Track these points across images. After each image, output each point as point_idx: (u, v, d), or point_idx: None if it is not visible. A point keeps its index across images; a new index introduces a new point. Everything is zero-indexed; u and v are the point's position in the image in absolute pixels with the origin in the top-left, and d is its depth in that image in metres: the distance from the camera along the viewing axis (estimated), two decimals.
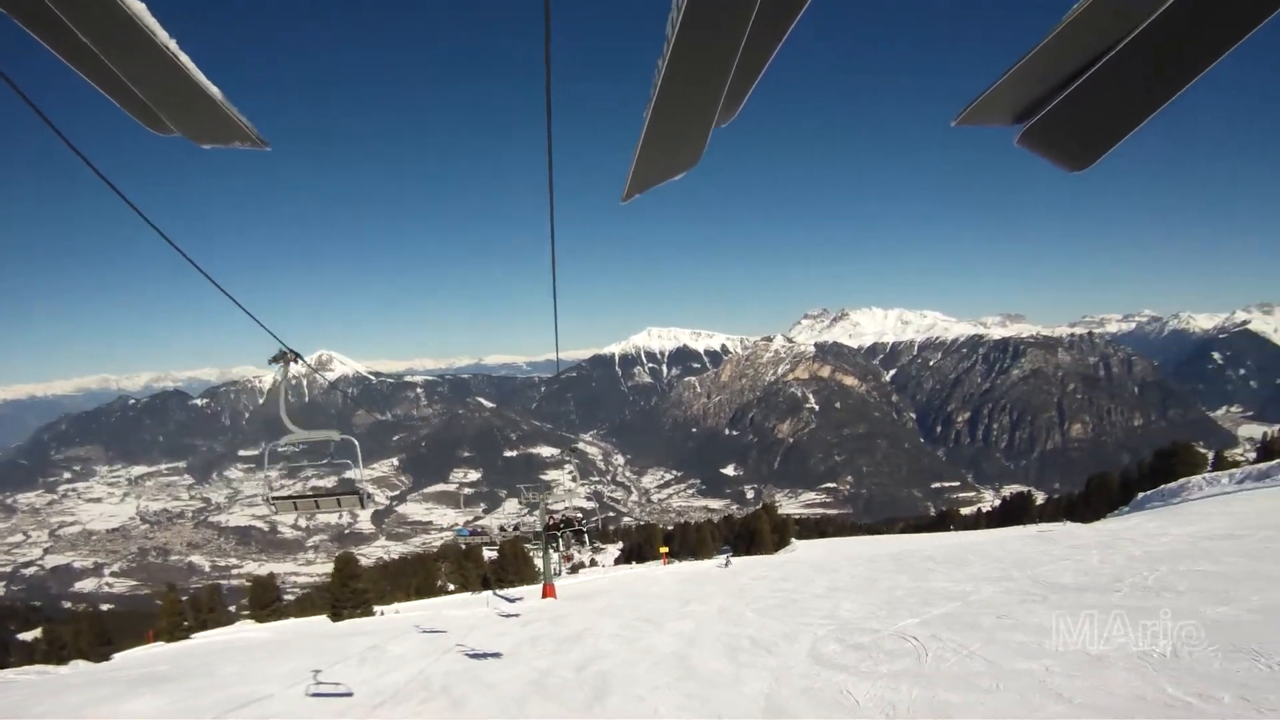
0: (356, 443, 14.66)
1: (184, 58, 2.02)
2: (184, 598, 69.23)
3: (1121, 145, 2.43)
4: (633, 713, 11.13)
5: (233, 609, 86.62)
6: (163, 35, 1.94)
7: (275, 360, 13.60)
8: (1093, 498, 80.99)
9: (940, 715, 8.79)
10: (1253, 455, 72.69)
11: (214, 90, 2.13)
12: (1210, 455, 77.34)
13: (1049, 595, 15.00)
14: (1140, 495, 54.31)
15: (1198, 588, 13.14)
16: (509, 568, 75.35)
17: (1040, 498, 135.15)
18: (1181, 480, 51.18)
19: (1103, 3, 2.12)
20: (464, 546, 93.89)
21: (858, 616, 16.42)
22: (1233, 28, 2.11)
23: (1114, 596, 13.54)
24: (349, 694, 15.02)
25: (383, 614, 49.25)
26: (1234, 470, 49.34)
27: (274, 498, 15.32)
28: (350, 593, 55.06)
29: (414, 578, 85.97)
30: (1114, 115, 2.42)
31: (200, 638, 47.46)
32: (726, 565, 51.39)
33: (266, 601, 66.23)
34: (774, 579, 29.68)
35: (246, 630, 49.92)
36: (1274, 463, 45.12)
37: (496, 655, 17.76)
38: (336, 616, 51.09)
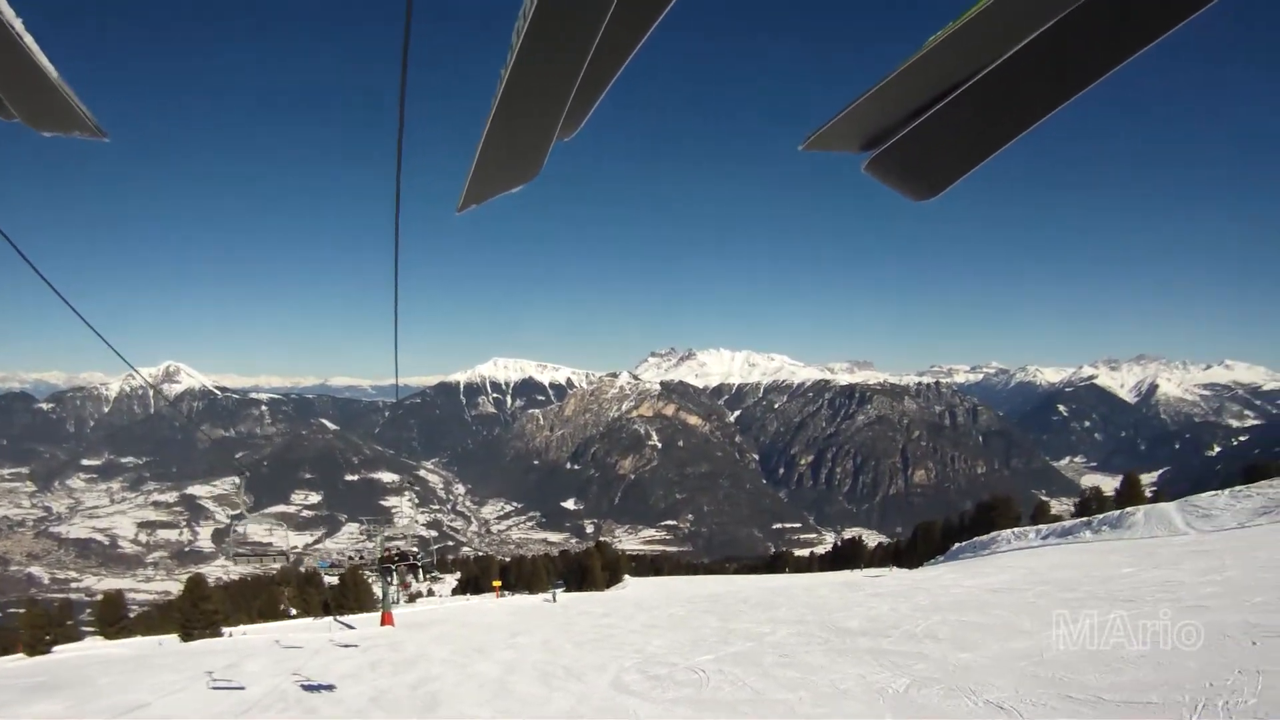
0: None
1: (29, 38, 2.04)
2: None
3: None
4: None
5: (70, 623, 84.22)
6: (8, 13, 1.94)
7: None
8: (918, 544, 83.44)
9: None
10: (1071, 509, 76.75)
11: (53, 72, 2.16)
12: (1033, 508, 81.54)
13: (831, 639, 16.59)
14: (955, 546, 57.31)
15: (955, 636, 14.84)
16: (349, 595, 75.26)
17: (876, 541, 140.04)
18: (994, 533, 53.82)
19: (956, 38, 2.23)
20: (324, 574, 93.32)
21: (662, 651, 17.87)
22: (1082, 73, 2.30)
23: (883, 641, 15.21)
24: (215, 704, 16.28)
25: (231, 635, 49.05)
26: (1041, 526, 52.36)
27: (236, 554, 16.82)
28: (200, 613, 54.42)
29: (257, 600, 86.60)
30: (961, 149, 2.58)
31: (60, 651, 46.37)
32: (554, 600, 52.99)
33: (115, 618, 65.73)
34: (597, 614, 31.58)
35: (100, 646, 48.97)
36: (1078, 520, 48.03)
37: (341, 675, 19.04)
38: (187, 636, 50.37)
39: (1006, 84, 2.32)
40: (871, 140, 2.56)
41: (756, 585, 44.92)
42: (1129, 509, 44.82)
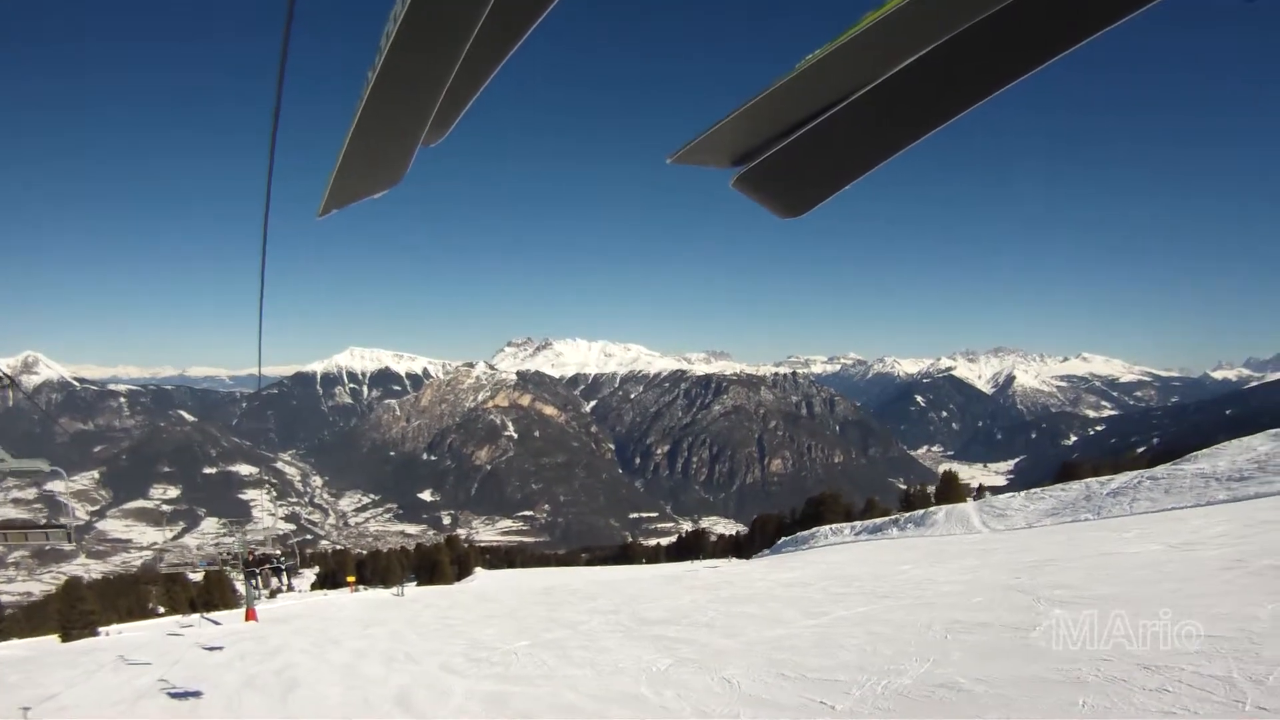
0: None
1: None
2: None
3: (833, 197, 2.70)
4: (311, 697, 15.54)
5: None
6: None
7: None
8: (756, 536, 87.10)
9: (498, 702, 12.83)
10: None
11: None
12: (866, 502, 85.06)
13: (631, 627, 19.14)
14: (780, 540, 59.92)
15: (728, 625, 17.42)
16: (214, 592, 76.50)
17: (732, 530, 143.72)
18: (814, 529, 56.68)
19: (829, 61, 2.25)
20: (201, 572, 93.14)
21: (490, 638, 20.30)
22: (953, 101, 2.39)
23: (670, 629, 17.74)
24: (115, 692, 18.50)
25: (107, 634, 49.41)
26: (856, 523, 55.09)
27: None
28: (78, 614, 55.90)
29: (126, 599, 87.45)
30: (829, 169, 2.64)
31: None
32: (401, 594, 54.98)
33: None
34: (442, 607, 33.76)
35: None
36: (886, 519, 50.60)
37: (215, 664, 21.52)
38: (66, 636, 50.79)
39: (877, 108, 2.43)
40: (740, 157, 2.65)
41: (588, 578, 47.88)
42: (932, 508, 48.27)
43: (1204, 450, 40.52)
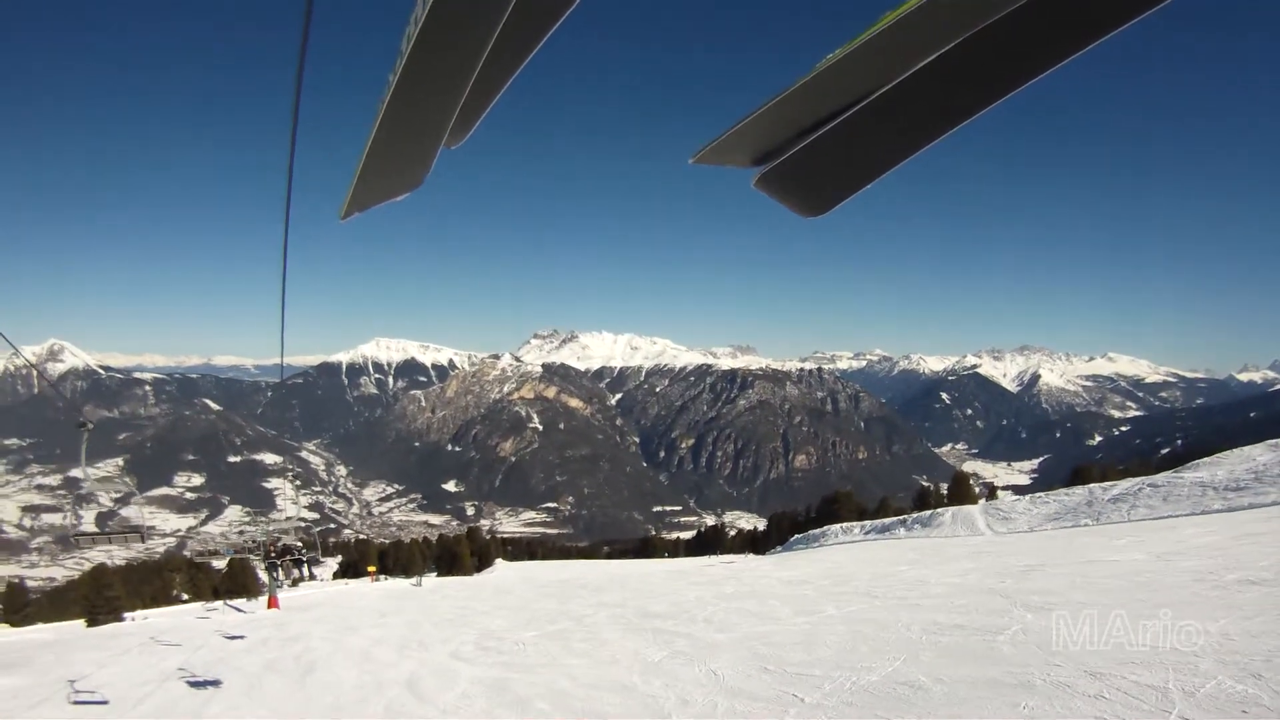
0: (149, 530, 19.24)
1: None
2: None
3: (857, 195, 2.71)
4: (327, 679, 16.76)
5: None
6: None
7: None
8: (772, 533, 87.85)
9: (499, 688, 13.84)
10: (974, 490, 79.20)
11: None
12: (882, 499, 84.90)
13: (633, 620, 20.05)
14: (793, 538, 60.14)
15: (724, 620, 18.24)
16: (237, 579, 77.98)
17: (751, 526, 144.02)
18: (825, 528, 57.05)
19: (850, 60, 2.27)
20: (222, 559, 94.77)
21: (500, 628, 21.47)
22: (972, 99, 2.43)
23: (670, 623, 18.61)
24: (144, 671, 20.11)
25: (133, 619, 50.55)
26: (866, 522, 55.49)
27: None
28: (104, 599, 57.11)
29: (150, 585, 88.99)
30: (850, 168, 2.67)
31: None
32: (419, 584, 56.15)
33: (19, 606, 71.08)
34: (459, 598, 35.01)
35: (17, 633, 49.82)
36: (894, 519, 50.77)
37: (237, 649, 22.96)
38: (93, 621, 52.03)
39: (897, 107, 2.43)
40: (762, 156, 2.66)
41: (602, 571, 48.40)
42: (939, 510, 48.71)
43: (1205, 459, 40.81)
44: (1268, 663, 8.92)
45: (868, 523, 54.65)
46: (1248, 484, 32.84)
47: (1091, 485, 43.88)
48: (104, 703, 17.03)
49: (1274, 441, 39.74)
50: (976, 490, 78.34)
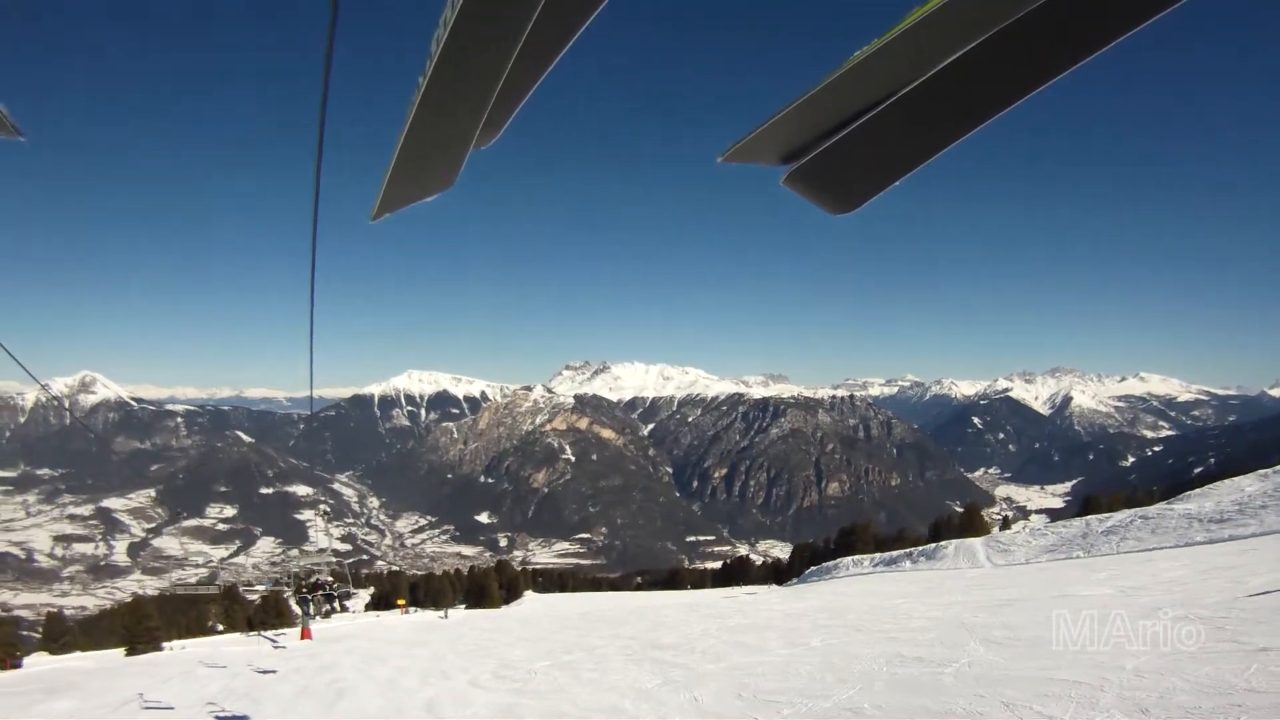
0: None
1: None
2: None
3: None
4: (355, 705, 18.64)
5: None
6: None
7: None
8: (794, 564, 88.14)
9: (507, 712, 15.61)
10: (1006, 515, 79.79)
11: None
12: (902, 528, 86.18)
13: (640, 651, 21.75)
14: (809, 570, 61.56)
15: (720, 651, 19.88)
16: (271, 611, 79.89)
17: (782, 556, 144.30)
18: (837, 560, 58.40)
19: (878, 56, 2.27)
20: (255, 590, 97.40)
21: (518, 658, 23.27)
22: (1002, 94, 2.42)
23: (671, 654, 20.25)
24: (188, 696, 22.23)
25: (171, 649, 52.63)
26: (876, 554, 56.16)
27: (179, 584, 22.59)
28: (144, 629, 57.94)
29: (186, 616, 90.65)
30: (879, 165, 2.70)
31: (30, 665, 48.76)
32: (445, 617, 58.16)
33: (59, 635, 71.79)
34: (484, 629, 37.15)
35: (63, 660, 51.40)
36: (900, 552, 51.80)
37: (273, 677, 24.68)
38: (132, 650, 53.63)
39: (926, 103, 2.46)
40: (791, 154, 2.69)
41: (622, 604, 50.14)
42: (943, 543, 49.94)
43: (1196, 490, 42.05)
44: (1160, 700, 9.88)
45: (876, 555, 55.68)
46: (1231, 515, 34.13)
47: (1089, 517, 45.09)
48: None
49: (1264, 472, 40.85)
50: (1001, 516, 79.10)
